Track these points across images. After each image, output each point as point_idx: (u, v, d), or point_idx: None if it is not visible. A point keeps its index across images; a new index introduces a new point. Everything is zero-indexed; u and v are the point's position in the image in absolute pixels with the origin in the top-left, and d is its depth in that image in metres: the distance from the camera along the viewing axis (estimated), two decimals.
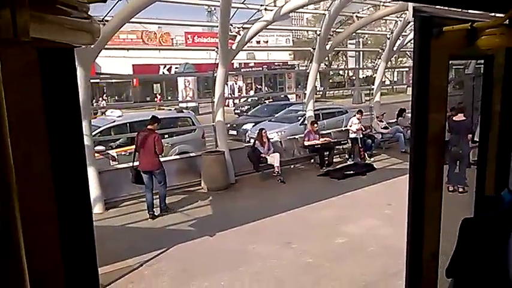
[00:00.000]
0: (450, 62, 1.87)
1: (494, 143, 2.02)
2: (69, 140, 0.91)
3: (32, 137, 0.84)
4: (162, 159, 10.67)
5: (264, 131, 11.33)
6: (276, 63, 35.44)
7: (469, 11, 1.90)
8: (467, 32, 1.66)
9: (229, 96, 28.47)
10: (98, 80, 28.70)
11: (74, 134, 0.92)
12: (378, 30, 22.23)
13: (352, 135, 12.64)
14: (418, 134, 1.75)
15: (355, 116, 13.02)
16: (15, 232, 0.58)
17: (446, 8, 1.82)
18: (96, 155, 9.67)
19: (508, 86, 1.94)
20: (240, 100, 30.00)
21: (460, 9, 1.91)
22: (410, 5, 1.79)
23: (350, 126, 12.80)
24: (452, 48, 1.74)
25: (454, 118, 8.88)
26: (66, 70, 0.90)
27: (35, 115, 0.84)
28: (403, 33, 14.17)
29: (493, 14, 1.79)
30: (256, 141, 11.13)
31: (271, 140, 11.61)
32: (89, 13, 0.82)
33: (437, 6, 1.76)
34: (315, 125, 12.20)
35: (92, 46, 8.11)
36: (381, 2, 12.18)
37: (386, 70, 18.16)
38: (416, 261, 1.89)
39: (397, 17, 13.48)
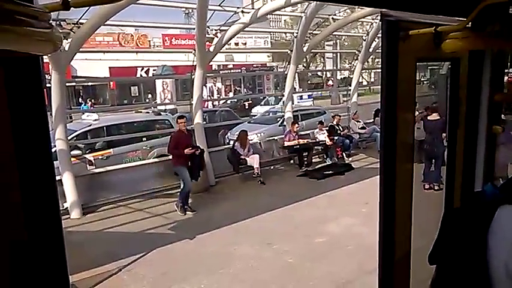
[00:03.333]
0: (418, 63, 1.94)
1: (461, 141, 2.10)
2: (36, 150, 0.91)
3: None
4: (140, 163, 10.63)
5: (246, 132, 11.37)
6: (254, 65, 35.51)
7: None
8: (433, 36, 1.72)
9: (208, 98, 28.36)
10: (74, 84, 28.17)
11: (41, 143, 0.92)
12: (354, 32, 22.56)
13: (320, 138, 12.75)
14: (388, 134, 1.80)
15: (317, 127, 13.17)
16: None
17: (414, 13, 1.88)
18: (72, 159, 9.49)
19: (472, 87, 2.02)
20: (219, 102, 29.92)
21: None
22: None
23: (316, 138, 12.93)
24: (419, 51, 1.80)
25: (428, 117, 9.09)
26: (31, 79, 0.89)
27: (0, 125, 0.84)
28: (379, 35, 14.41)
29: (458, 18, 1.86)
30: (236, 143, 11.14)
31: (250, 142, 11.64)
32: (50, 22, 0.82)
33: (405, 12, 1.81)
34: (295, 126, 12.31)
35: (67, 49, 7.93)
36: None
37: (363, 71, 18.43)
38: (388, 260, 1.94)
39: (373, 19, 13.71)
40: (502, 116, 2.28)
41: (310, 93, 27.47)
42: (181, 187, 8.79)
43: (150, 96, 31.79)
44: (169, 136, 9.34)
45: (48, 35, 0.81)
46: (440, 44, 1.72)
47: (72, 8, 0.88)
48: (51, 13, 0.84)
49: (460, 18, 1.65)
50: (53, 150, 8.53)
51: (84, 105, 28.05)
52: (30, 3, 0.79)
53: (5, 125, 0.84)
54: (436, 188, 8.17)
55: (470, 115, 2.05)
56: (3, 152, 0.85)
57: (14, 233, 0.90)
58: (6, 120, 0.84)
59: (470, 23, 1.64)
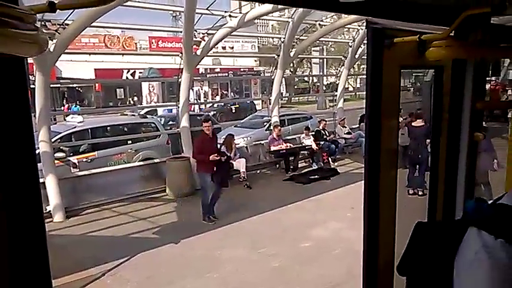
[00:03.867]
0: (403, 70, 1.97)
1: (444, 147, 2.14)
2: (20, 152, 0.90)
3: None
4: (125, 166, 10.50)
5: (232, 136, 11.35)
6: (241, 69, 35.56)
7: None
8: (417, 44, 1.76)
9: (195, 101, 28.28)
10: (59, 85, 27.81)
11: (26, 145, 0.91)
12: (341, 38, 22.78)
13: (307, 143, 12.84)
14: (372, 140, 1.82)
15: (303, 132, 13.26)
16: None
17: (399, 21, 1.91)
18: (56, 161, 9.36)
19: (455, 94, 2.06)
20: (205, 105, 29.85)
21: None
22: None
23: (302, 143, 13.02)
24: (404, 58, 1.83)
25: (413, 124, 9.22)
26: (16, 80, 0.89)
27: None
28: (365, 42, 14.58)
29: (442, 27, 1.90)
30: (222, 147, 11.11)
31: (237, 146, 11.64)
32: (35, 24, 0.81)
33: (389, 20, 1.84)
34: (277, 130, 12.36)
35: (51, 50, 7.83)
36: None
37: (349, 77, 18.63)
38: (372, 266, 1.96)
39: (359, 26, 13.87)
40: (483, 123, 2.34)
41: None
42: (203, 195, 8.43)
43: (136, 98, 31.57)
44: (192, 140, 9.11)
45: (33, 37, 0.80)
46: (424, 52, 1.76)
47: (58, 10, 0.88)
48: (37, 14, 0.84)
49: (444, 27, 1.68)
50: (37, 152, 8.40)
51: (75, 106, 27.69)
52: (16, 4, 0.79)
53: None
54: (420, 193, 8.29)
55: (453, 122, 2.09)
56: None
57: None
58: None
59: (453, 32, 1.67)
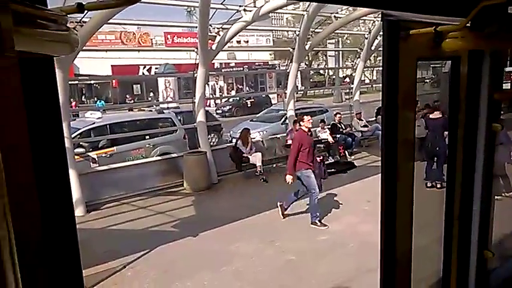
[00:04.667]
0: (420, 62, 1.96)
1: (461, 139, 2.12)
2: (51, 146, 0.94)
3: (14, 144, 0.87)
4: (143, 161, 10.64)
5: (248, 130, 11.40)
6: (256, 63, 35.52)
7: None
8: (433, 35, 1.75)
9: (211, 96, 28.40)
10: (77, 82, 28.24)
11: (56, 140, 0.95)
12: (357, 30, 22.53)
13: (323, 137, 12.74)
14: (389, 134, 1.82)
15: (319, 126, 13.16)
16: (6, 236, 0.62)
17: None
18: (76, 157, 9.56)
19: (472, 85, 2.05)
20: (221, 100, 29.96)
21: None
22: None
23: (318, 137, 12.92)
24: (420, 50, 1.82)
25: (430, 116, 9.09)
26: (46, 79, 0.93)
27: (16, 124, 0.88)
28: (381, 33, 14.37)
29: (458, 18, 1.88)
30: (239, 141, 11.18)
31: (253, 140, 11.68)
32: (67, 24, 0.86)
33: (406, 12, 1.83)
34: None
35: None
36: None
37: (366, 69, 18.43)
38: (390, 258, 1.96)
39: (375, 17, 13.72)
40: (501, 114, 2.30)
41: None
42: (310, 196, 7.78)
43: (152, 94, 31.85)
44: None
45: (65, 37, 0.85)
46: (440, 43, 1.75)
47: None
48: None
49: (460, 18, 1.67)
50: None
51: (99, 101, 28.10)
52: (44, 5, 0.83)
53: (21, 123, 0.88)
54: (438, 186, 8.18)
55: (470, 113, 2.07)
56: (20, 150, 0.89)
57: (31, 230, 0.93)
58: (23, 118, 0.88)
59: (469, 23, 1.66)
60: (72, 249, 1.03)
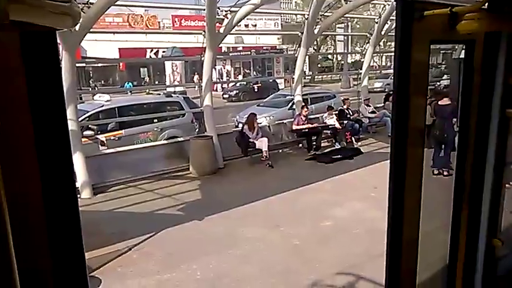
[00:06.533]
0: (433, 46, 1.90)
1: (473, 125, 2.07)
2: (53, 123, 0.92)
3: (15, 120, 0.85)
4: (150, 144, 10.65)
5: (254, 115, 11.35)
6: (264, 48, 35.21)
7: None
8: (448, 17, 1.69)
9: (218, 80, 28.30)
10: (84, 64, 28.25)
11: (58, 116, 0.93)
12: (367, 15, 22.18)
13: (330, 123, 12.64)
14: (399, 118, 1.78)
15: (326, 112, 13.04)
16: (2, 218, 0.60)
17: None
18: (84, 139, 9.60)
19: (486, 71, 1.99)
20: (228, 85, 29.84)
21: None
22: None
23: (325, 122, 12.81)
24: (434, 32, 1.76)
25: (439, 102, 8.97)
26: (48, 53, 0.90)
27: (18, 98, 0.85)
28: (391, 17, 14.15)
29: None
30: (245, 126, 11.14)
31: (259, 125, 11.63)
32: None
33: None
34: (305, 109, 12.25)
35: (77, 29, 7.92)
36: None
37: (375, 54, 18.19)
38: (396, 244, 1.95)
39: (385, 1, 13.47)
40: None
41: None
42: None
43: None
44: None
45: (67, 8, 0.81)
46: (455, 25, 1.69)
47: None
48: None
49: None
50: None
51: (128, 83, 28.10)
52: None
53: (22, 96, 0.85)
54: (445, 173, 8.12)
55: (484, 98, 2.02)
56: (22, 128, 0.86)
57: (33, 211, 0.92)
58: (23, 92, 0.85)
59: (486, 4, 1.60)
60: (74, 232, 1.01)
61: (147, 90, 18.71)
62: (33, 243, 0.93)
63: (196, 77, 15.05)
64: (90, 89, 24.76)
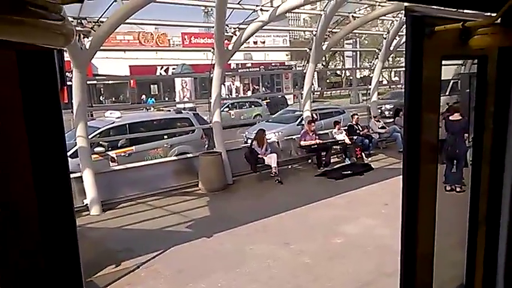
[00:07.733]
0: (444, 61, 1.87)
1: (489, 142, 2.02)
2: (49, 141, 0.90)
3: (11, 138, 0.83)
4: (159, 160, 10.66)
5: (263, 131, 11.35)
6: (273, 64, 35.45)
7: (464, 10, 1.90)
8: (460, 32, 1.66)
9: (227, 96, 28.44)
10: (95, 82, 28.64)
11: (55, 135, 0.91)
12: (375, 30, 22.25)
13: (339, 138, 12.60)
14: (411, 134, 1.74)
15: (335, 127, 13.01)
16: None
17: (441, 8, 1.81)
18: (95, 156, 9.66)
19: (501, 86, 1.94)
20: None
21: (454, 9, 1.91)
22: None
23: (334, 138, 12.77)
24: (445, 48, 1.73)
25: (450, 117, 8.89)
26: (45, 72, 0.88)
27: (14, 117, 0.83)
28: (400, 33, 14.19)
29: (487, 13, 1.78)
30: (254, 142, 11.12)
31: (268, 141, 11.61)
32: (62, 14, 0.80)
33: (431, 6, 1.75)
34: (312, 125, 12.21)
35: (87, 47, 8.05)
36: (376, 1, 12.21)
37: (384, 70, 18.18)
38: (411, 261, 1.89)
39: (393, 17, 13.50)
40: None
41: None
42: None
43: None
44: None
45: (59, 27, 0.79)
46: (467, 40, 1.66)
47: (93, 7, 0.87)
48: (65, 6, 0.82)
49: (489, 14, 1.58)
50: (75, 147, 8.69)
51: (150, 99, 28.48)
52: None
53: (18, 115, 0.83)
54: (457, 189, 7.98)
55: (499, 114, 1.97)
56: (17, 144, 0.84)
57: (29, 230, 0.89)
58: (19, 110, 0.83)
59: (500, 19, 1.57)
60: (71, 249, 0.98)
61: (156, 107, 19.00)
62: (27, 249, 0.90)
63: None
64: (103, 105, 25.11)
